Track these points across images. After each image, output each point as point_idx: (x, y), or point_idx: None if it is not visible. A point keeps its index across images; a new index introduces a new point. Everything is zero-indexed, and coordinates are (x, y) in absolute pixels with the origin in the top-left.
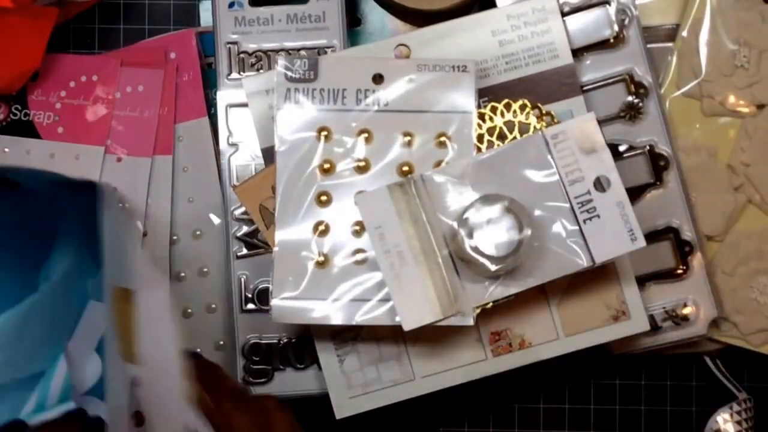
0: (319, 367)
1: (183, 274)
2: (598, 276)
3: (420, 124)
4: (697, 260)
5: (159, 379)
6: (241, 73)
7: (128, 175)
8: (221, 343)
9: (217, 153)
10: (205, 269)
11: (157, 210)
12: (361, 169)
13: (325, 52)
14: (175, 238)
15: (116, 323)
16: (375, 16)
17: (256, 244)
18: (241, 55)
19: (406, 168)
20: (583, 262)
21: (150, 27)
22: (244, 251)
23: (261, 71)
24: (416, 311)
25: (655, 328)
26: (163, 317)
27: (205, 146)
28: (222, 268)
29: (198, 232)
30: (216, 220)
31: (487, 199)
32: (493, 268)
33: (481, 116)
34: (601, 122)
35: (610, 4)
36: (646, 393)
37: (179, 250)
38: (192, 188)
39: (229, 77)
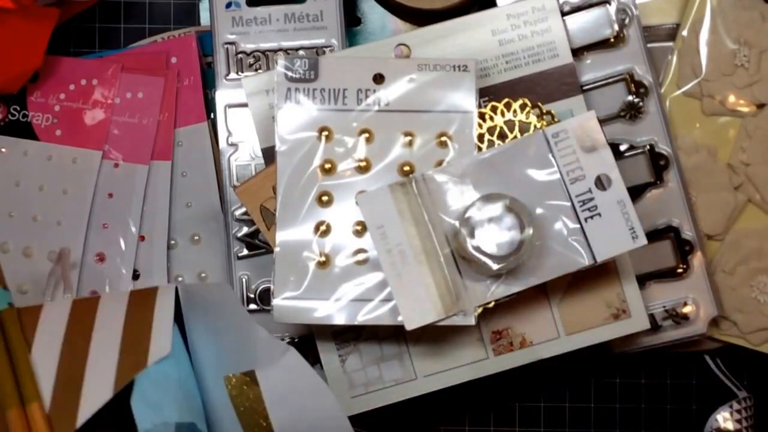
0: (321, 367)
1: (181, 279)
2: (598, 275)
3: (421, 124)
4: (697, 259)
5: None
6: (240, 73)
7: (125, 181)
8: None
9: (217, 153)
10: (204, 274)
11: (155, 215)
12: (362, 169)
13: (324, 52)
14: (173, 242)
15: (240, 413)
16: (375, 15)
17: (257, 244)
18: (240, 56)
19: (407, 168)
20: (585, 261)
21: (150, 26)
22: (245, 252)
23: (259, 71)
24: (418, 310)
25: (655, 326)
26: (300, 381)
27: (204, 151)
28: (220, 272)
29: (196, 237)
30: (214, 224)
31: (488, 198)
32: (495, 267)
33: (482, 116)
34: (602, 122)
35: (610, 4)
36: (646, 391)
37: (177, 255)
38: (190, 193)
39: (228, 77)
